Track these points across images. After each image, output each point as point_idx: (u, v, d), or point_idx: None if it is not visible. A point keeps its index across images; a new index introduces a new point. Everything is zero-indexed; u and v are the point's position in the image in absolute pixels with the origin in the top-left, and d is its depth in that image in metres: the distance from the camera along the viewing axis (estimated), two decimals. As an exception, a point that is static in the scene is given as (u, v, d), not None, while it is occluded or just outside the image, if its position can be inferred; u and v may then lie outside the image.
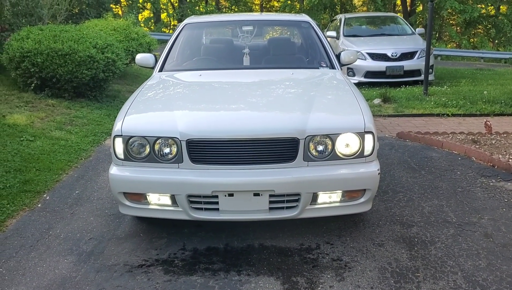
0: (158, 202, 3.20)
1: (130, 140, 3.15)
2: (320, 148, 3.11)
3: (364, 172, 3.14)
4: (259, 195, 3.07)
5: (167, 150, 3.14)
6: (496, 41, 27.01)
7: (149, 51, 10.21)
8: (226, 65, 4.53)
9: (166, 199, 3.18)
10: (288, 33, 5.20)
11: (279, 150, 3.07)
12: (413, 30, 11.61)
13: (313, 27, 4.81)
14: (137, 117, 3.36)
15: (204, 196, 3.11)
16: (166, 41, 5.28)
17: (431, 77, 9.91)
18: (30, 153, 5.11)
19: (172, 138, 3.09)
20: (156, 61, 4.58)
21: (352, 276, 2.94)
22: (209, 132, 3.07)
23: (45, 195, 4.29)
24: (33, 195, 4.23)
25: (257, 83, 4.08)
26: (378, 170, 3.17)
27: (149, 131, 3.14)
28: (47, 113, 6.62)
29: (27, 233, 3.60)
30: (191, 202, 3.13)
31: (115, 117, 7.13)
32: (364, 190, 3.18)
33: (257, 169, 3.07)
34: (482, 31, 28.51)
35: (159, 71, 4.41)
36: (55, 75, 7.08)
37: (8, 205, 3.96)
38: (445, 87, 9.80)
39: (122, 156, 3.18)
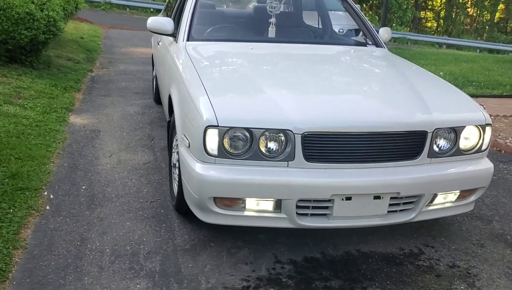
0: (256, 207, 2.61)
1: (229, 132, 2.49)
2: (444, 142, 2.76)
3: (483, 169, 2.86)
4: (380, 198, 2.64)
5: (274, 145, 2.54)
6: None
7: (76, 10, 8.87)
8: (264, 37, 3.90)
9: (267, 205, 2.60)
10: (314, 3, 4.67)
11: (405, 145, 2.66)
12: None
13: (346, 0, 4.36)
14: (232, 103, 2.69)
15: (315, 201, 2.59)
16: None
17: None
18: (-5, 136, 4.03)
19: (283, 130, 2.50)
20: (175, 27, 3.80)
21: (486, 286, 2.67)
22: (333, 124, 2.54)
23: (45, 193, 3.37)
24: (33, 194, 3.29)
25: (330, 62, 3.56)
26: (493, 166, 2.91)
27: (255, 121, 2.51)
28: (-17, 82, 5.34)
29: (58, 248, 2.76)
30: (298, 207, 2.59)
31: (64, 88, 6.16)
32: (477, 188, 2.90)
33: (379, 167, 2.63)
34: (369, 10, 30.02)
35: (186, 41, 3.65)
36: (-14, 35, 5.73)
37: (11, 210, 3.02)
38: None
39: (215, 152, 2.51)
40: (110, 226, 3.04)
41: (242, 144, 2.52)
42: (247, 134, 2.51)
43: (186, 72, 3.05)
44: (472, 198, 2.93)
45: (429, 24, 36.50)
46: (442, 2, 35.46)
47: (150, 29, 3.81)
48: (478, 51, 22.01)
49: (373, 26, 4.25)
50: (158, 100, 5.73)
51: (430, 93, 2.99)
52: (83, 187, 3.54)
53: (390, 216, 2.72)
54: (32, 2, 6.16)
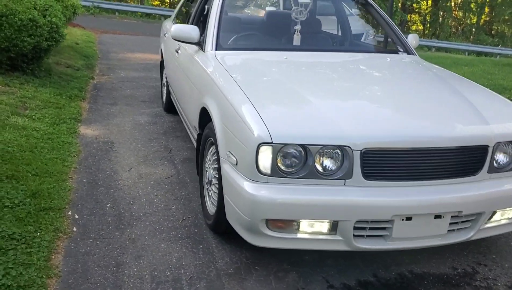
0: (310, 230, 2.44)
1: (283, 149, 2.32)
2: (503, 157, 2.62)
3: (540, 183, 2.72)
4: (441, 217, 2.48)
5: (330, 162, 2.37)
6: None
7: (74, 15, 8.62)
8: (292, 45, 3.73)
9: (322, 226, 2.42)
10: (335, 9, 4.50)
11: (467, 160, 2.51)
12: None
13: (370, 3, 4.21)
14: (283, 117, 2.51)
15: (373, 221, 2.42)
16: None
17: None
18: (8, 151, 3.79)
19: (341, 146, 2.34)
20: (200, 35, 3.62)
21: (551, 307, 2.53)
22: (394, 139, 2.38)
23: (70, 213, 3.16)
24: (57, 214, 3.08)
25: (371, 70, 3.42)
26: None
27: (311, 137, 2.34)
28: (-14, 92, 5.09)
29: (94, 276, 2.55)
30: (355, 228, 2.42)
31: (70, 98, 5.90)
32: (530, 204, 2.77)
33: (439, 185, 2.47)
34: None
35: (215, 50, 3.46)
36: (-13, 42, 5.48)
37: (38, 233, 2.81)
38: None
39: (268, 171, 2.34)
40: (144, 249, 2.84)
41: (296, 161, 2.35)
42: (302, 150, 2.34)
43: (224, 84, 2.87)
44: (526, 213, 2.80)
45: (413, 27, 36.73)
46: (429, 5, 35.75)
47: (174, 38, 3.61)
48: (466, 53, 22.15)
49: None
50: (169, 109, 5.54)
51: (483, 104, 2.85)
52: (108, 205, 3.33)
53: (449, 236, 2.58)
54: (35, 8, 5.92)
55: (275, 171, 2.34)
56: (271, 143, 2.30)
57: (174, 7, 32.18)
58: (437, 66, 3.71)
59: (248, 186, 2.37)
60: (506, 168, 2.63)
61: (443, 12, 33.19)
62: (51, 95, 5.64)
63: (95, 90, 6.58)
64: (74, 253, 2.73)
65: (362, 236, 2.47)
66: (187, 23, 4.42)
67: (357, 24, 4.37)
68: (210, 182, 3.04)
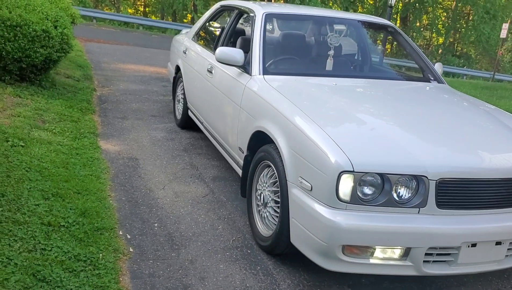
0: (382, 255, 2.54)
1: (363, 178, 2.42)
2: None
3: None
4: (501, 244, 2.63)
5: (405, 191, 2.49)
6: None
7: (72, 25, 8.49)
8: (322, 70, 3.86)
9: (395, 252, 2.53)
10: (368, 36, 4.66)
11: (526, 189, 2.67)
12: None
13: (399, 32, 4.39)
14: (360, 145, 2.59)
15: (442, 248, 2.55)
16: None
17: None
18: (44, 167, 3.74)
19: (417, 176, 2.45)
20: (244, 58, 3.69)
21: None
22: (468, 170, 2.52)
23: (121, 233, 3.16)
24: (110, 235, 3.07)
25: (422, 99, 3.58)
26: None
27: (389, 166, 2.45)
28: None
29: (166, 298, 2.57)
30: (426, 255, 2.54)
31: (81, 110, 5.83)
32: None
33: (501, 213, 2.63)
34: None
35: (263, 74, 3.54)
36: (1, 52, 5.38)
37: (100, 254, 2.80)
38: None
39: (348, 198, 2.43)
40: (205, 270, 2.88)
41: (375, 190, 2.45)
42: (380, 179, 2.44)
43: (288, 110, 2.94)
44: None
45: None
46: (397, 25, 36.85)
47: (220, 61, 3.67)
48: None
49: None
50: (184, 126, 5.56)
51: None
52: (155, 225, 3.34)
53: (505, 261, 2.73)
54: (47, 19, 5.85)
55: (354, 199, 2.43)
56: (353, 171, 2.40)
57: (147, 17, 31.92)
58: (466, 95, 3.90)
59: (326, 212, 2.45)
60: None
61: (412, 32, 34.19)
62: (63, 108, 5.56)
63: (101, 103, 6.52)
64: (139, 275, 2.74)
65: (429, 261, 2.59)
66: (217, 44, 4.49)
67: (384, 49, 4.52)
68: (265, 205, 3.10)
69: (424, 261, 2.55)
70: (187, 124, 5.49)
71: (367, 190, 2.45)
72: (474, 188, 2.53)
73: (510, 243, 2.66)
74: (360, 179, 2.42)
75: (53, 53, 5.80)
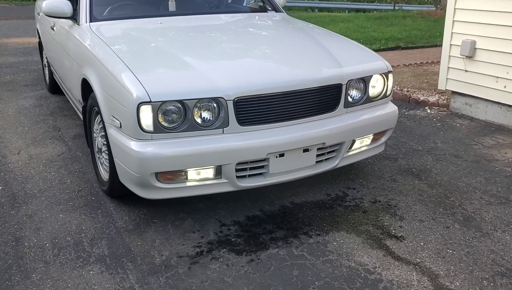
0: (197, 177, 2.69)
1: (163, 107, 2.53)
2: (356, 92, 3.04)
3: (390, 112, 3.20)
4: (309, 151, 2.86)
5: (208, 114, 2.63)
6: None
7: None
8: (166, 11, 3.90)
9: (208, 172, 2.69)
10: None
11: (325, 98, 2.89)
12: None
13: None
14: (159, 77, 2.69)
15: (252, 161, 2.74)
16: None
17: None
18: None
19: (215, 98, 2.60)
20: (73, 8, 3.65)
21: (406, 213, 3.03)
22: (261, 87, 2.68)
23: None
24: None
25: (242, 30, 3.68)
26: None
27: (187, 93, 2.57)
28: None
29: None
30: (237, 170, 2.72)
31: None
32: (386, 130, 3.25)
33: (304, 123, 2.84)
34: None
35: (90, 22, 3.53)
36: None
37: None
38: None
39: (151, 128, 2.54)
40: (43, 221, 2.94)
41: (176, 116, 2.57)
42: (180, 106, 2.56)
43: (101, 53, 2.98)
44: (383, 139, 3.28)
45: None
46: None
47: (47, 14, 3.61)
48: (346, 12, 23.36)
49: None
50: (54, 90, 5.47)
51: (337, 49, 3.25)
52: (0, 187, 3.35)
53: (318, 166, 2.96)
54: None
55: (158, 128, 2.54)
56: (150, 101, 2.50)
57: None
58: (302, 21, 4.07)
59: (134, 145, 2.56)
60: (359, 102, 3.05)
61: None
62: None
63: (-30, 80, 6.26)
64: None
65: (244, 176, 2.78)
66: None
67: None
68: (100, 150, 3.18)
69: (238, 177, 2.73)
70: (56, 87, 5.39)
71: (169, 118, 2.56)
72: (270, 103, 2.70)
73: (318, 148, 2.88)
74: (160, 108, 2.52)
75: None
